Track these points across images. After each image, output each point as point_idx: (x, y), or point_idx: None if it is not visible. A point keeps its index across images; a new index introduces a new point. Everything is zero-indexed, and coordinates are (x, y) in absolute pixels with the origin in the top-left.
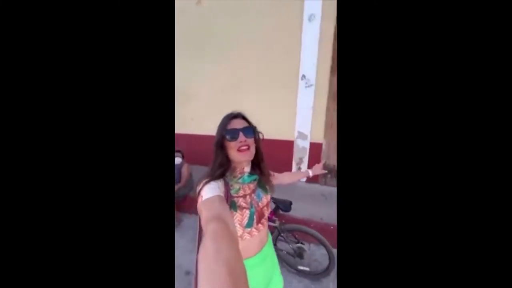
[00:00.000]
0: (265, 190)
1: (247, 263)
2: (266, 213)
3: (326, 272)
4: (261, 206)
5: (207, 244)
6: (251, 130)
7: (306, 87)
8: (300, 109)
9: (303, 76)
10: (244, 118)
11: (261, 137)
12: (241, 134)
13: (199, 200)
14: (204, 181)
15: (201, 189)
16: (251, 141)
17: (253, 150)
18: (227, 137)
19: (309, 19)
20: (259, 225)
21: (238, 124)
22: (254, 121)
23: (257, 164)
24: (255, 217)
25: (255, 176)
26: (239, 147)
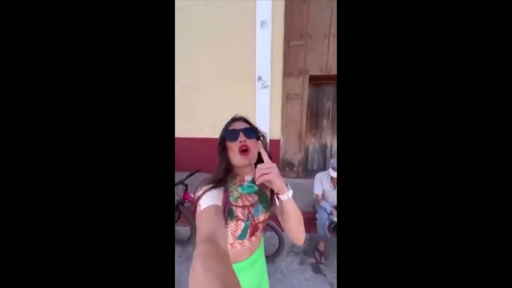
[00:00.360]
0: (266, 207)
1: (236, 267)
2: (261, 227)
3: (277, 253)
4: (256, 222)
5: (197, 264)
6: (252, 131)
7: (262, 88)
8: (259, 108)
9: (259, 77)
10: (246, 121)
11: (267, 140)
12: (241, 134)
13: (198, 209)
14: (204, 188)
15: (200, 197)
16: (252, 142)
17: (254, 152)
18: (227, 137)
19: (261, 25)
20: (252, 237)
21: (239, 125)
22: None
23: None
24: (249, 230)
25: (255, 189)
26: (240, 148)
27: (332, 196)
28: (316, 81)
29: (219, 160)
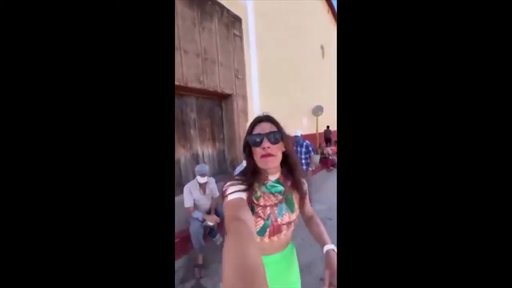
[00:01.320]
0: (292, 208)
1: None
2: (285, 231)
3: None
4: (279, 223)
5: (231, 241)
6: (277, 134)
7: None
8: None
9: None
10: (272, 121)
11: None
12: (265, 139)
13: (225, 200)
14: (231, 182)
15: (227, 189)
16: (277, 146)
17: (278, 156)
18: (250, 142)
19: None
20: (273, 237)
21: (264, 128)
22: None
23: (289, 172)
24: (268, 230)
25: (280, 189)
26: (262, 154)
27: (204, 202)
28: (177, 91)
29: (246, 163)
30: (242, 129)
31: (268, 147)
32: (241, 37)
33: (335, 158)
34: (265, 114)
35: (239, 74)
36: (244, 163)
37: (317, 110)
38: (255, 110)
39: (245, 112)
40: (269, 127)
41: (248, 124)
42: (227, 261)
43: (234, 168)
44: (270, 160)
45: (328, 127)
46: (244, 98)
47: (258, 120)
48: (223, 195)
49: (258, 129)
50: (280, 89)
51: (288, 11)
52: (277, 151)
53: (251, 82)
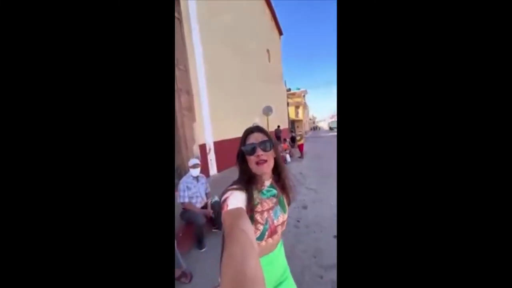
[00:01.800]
0: (284, 209)
1: None
2: (279, 231)
3: None
4: (275, 224)
5: (232, 250)
6: (268, 143)
7: None
8: None
9: None
10: (262, 131)
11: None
12: (258, 148)
13: (225, 208)
14: (229, 191)
15: (226, 198)
16: (269, 153)
17: (270, 162)
18: (245, 152)
19: None
20: (269, 239)
21: (256, 138)
22: None
23: (277, 176)
24: (267, 233)
25: (274, 192)
26: (257, 161)
27: None
28: None
29: (239, 169)
30: (188, 130)
31: (262, 155)
32: (180, 20)
33: (284, 154)
34: (255, 125)
35: (180, 64)
36: (191, 172)
37: (267, 111)
38: (203, 108)
39: (190, 110)
40: (261, 137)
41: (196, 125)
42: (226, 271)
43: (180, 177)
44: (265, 166)
45: (278, 126)
46: (189, 93)
47: (250, 131)
48: (222, 204)
49: (251, 139)
50: (230, 87)
51: (233, 9)
52: (269, 157)
53: (196, 75)
